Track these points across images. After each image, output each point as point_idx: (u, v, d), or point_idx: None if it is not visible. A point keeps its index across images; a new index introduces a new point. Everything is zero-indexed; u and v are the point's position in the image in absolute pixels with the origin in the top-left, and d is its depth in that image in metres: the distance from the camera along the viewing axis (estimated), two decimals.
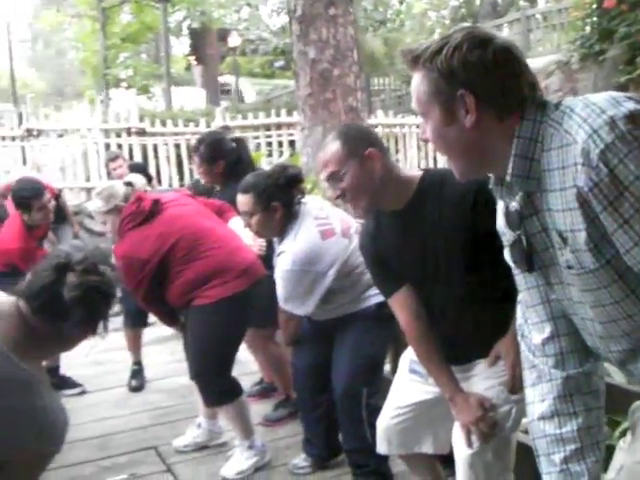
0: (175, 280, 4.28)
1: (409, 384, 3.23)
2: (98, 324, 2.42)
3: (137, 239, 4.28)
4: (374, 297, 3.82)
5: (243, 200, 4.03)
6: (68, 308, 2.23)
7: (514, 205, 1.88)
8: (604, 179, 1.60)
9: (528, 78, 1.82)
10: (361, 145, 2.93)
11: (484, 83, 1.78)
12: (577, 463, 2.01)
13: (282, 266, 3.89)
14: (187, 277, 4.25)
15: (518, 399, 2.77)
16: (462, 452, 2.88)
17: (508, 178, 1.82)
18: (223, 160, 5.16)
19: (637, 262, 1.67)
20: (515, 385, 2.76)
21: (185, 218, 4.44)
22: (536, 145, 1.76)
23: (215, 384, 4.36)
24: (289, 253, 3.86)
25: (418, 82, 1.87)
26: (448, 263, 2.85)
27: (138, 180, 6.01)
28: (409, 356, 3.23)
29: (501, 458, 2.91)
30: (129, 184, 4.68)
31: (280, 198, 3.96)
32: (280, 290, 3.93)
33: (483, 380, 2.95)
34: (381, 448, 3.32)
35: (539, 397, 2.08)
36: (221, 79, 28.85)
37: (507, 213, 1.94)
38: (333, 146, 2.94)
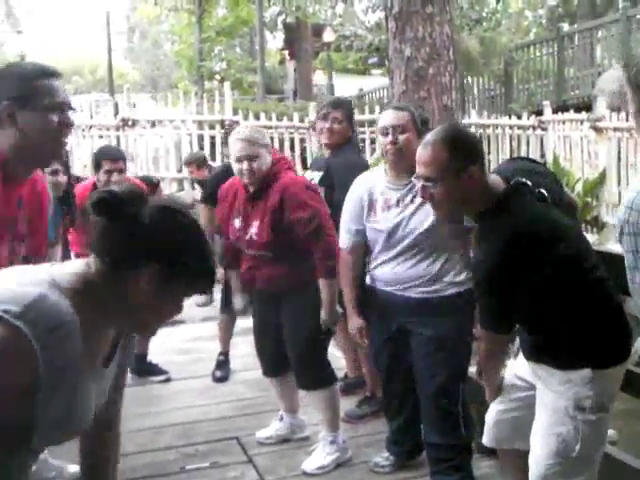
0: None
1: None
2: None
3: (302, 180, 4.40)
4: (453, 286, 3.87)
5: (398, 115, 3.93)
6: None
7: None
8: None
9: None
10: (467, 159, 2.87)
11: None
12: None
13: None
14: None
15: (586, 419, 2.81)
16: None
17: None
18: (351, 124, 5.13)
19: None
20: None
21: None
22: None
23: (318, 364, 4.39)
24: None
25: None
26: None
27: None
28: None
29: (578, 473, 2.91)
30: None
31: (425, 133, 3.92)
32: None
33: (546, 387, 2.96)
34: (486, 439, 3.34)
35: None
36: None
37: None
38: (439, 150, 2.88)
